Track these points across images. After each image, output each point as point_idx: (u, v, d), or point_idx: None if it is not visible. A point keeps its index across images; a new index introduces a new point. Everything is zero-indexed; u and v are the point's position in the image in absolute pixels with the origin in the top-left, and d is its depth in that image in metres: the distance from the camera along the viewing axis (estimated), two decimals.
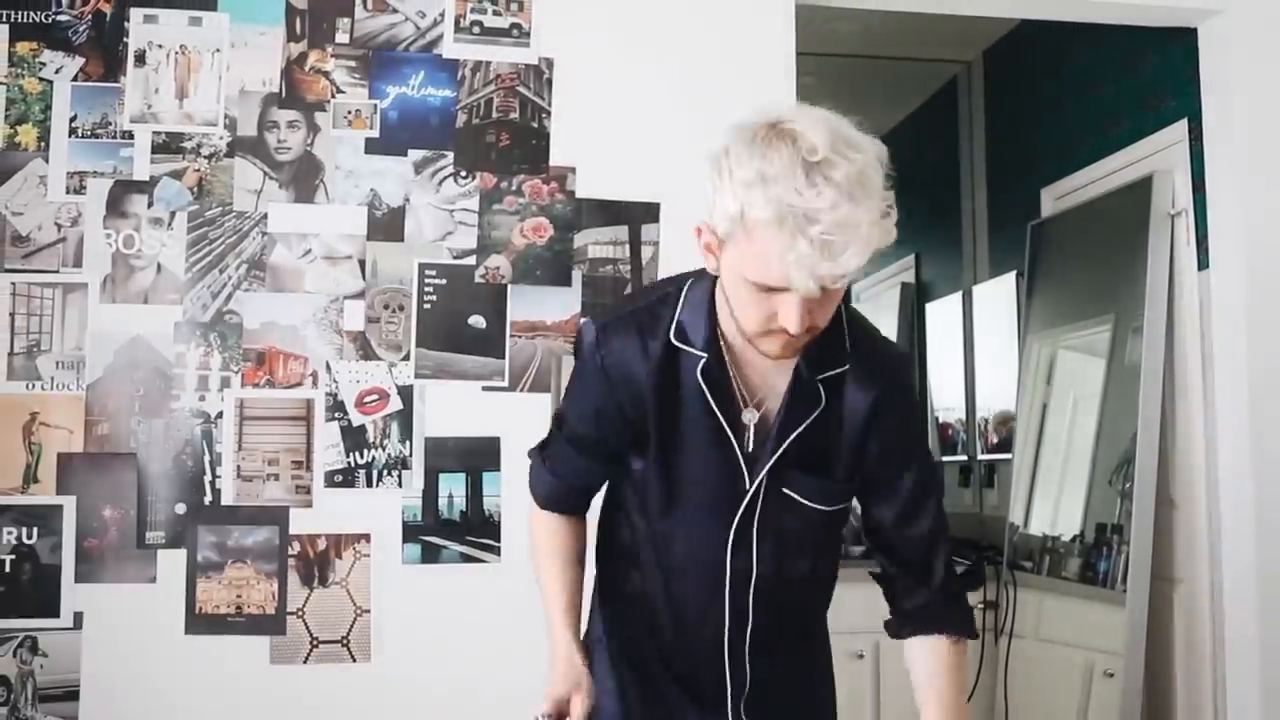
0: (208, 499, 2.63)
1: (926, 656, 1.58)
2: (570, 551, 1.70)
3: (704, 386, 1.49)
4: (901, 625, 1.63)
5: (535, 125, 2.80)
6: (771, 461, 1.50)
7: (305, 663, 2.63)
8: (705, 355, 1.49)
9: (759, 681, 1.62)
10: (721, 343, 1.50)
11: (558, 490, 1.69)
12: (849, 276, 1.31)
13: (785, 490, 1.53)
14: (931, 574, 1.60)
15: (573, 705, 1.57)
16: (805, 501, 1.54)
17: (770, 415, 1.52)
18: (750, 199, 1.29)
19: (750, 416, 1.51)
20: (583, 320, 1.60)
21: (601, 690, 1.65)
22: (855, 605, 4.28)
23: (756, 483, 1.52)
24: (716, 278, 1.45)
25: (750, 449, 1.52)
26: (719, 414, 1.50)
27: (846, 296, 1.47)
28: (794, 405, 1.50)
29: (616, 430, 1.57)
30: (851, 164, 1.30)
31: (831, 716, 1.77)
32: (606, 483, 1.70)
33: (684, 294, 1.54)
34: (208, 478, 2.64)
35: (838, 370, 1.51)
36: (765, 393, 1.52)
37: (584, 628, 1.73)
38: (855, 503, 1.65)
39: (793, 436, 1.50)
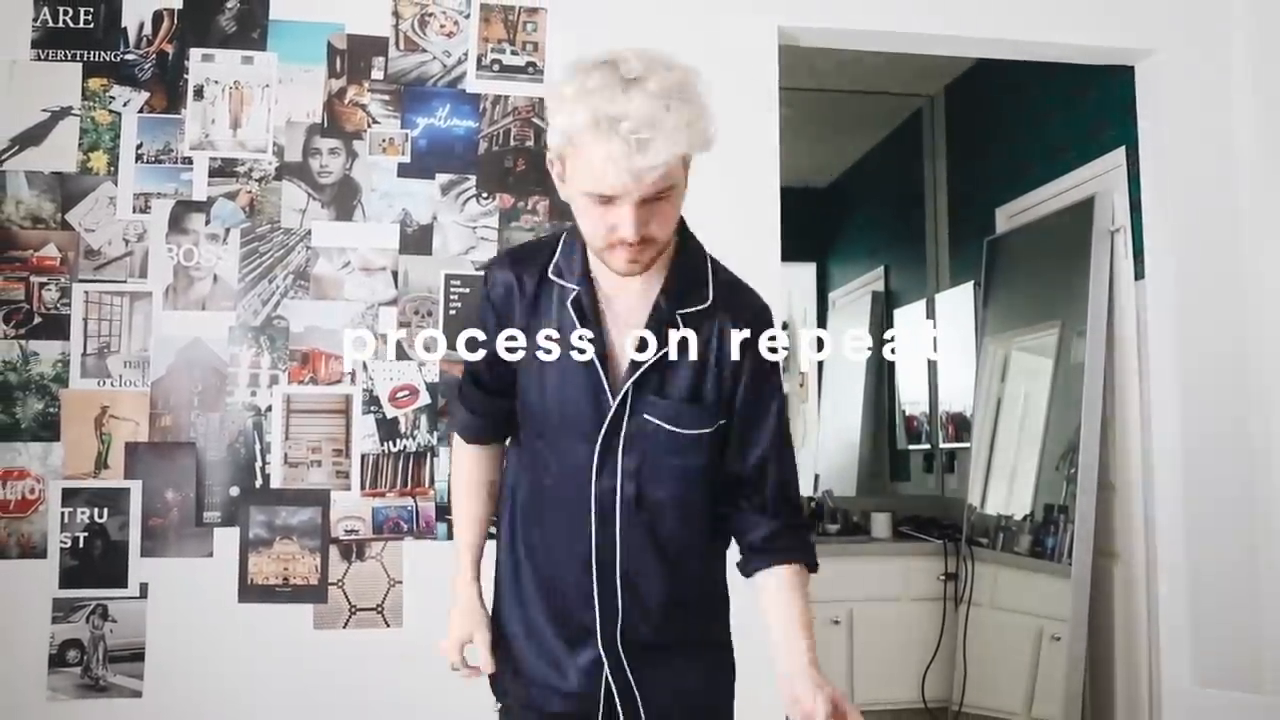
0: (258, 483, 2.63)
1: (778, 581, 1.50)
2: (480, 482, 1.67)
3: (572, 313, 1.46)
4: (751, 559, 1.54)
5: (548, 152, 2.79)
6: (631, 381, 1.45)
7: (344, 628, 2.63)
8: (577, 288, 1.47)
9: (632, 616, 1.51)
10: (592, 278, 1.48)
11: (467, 421, 1.66)
12: (659, 170, 1.28)
13: (646, 416, 1.46)
14: (778, 508, 1.53)
15: (477, 643, 1.56)
16: (664, 424, 1.46)
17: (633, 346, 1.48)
18: (572, 111, 1.30)
19: (629, 345, 1.46)
20: (487, 263, 1.60)
21: (502, 630, 1.60)
22: (831, 577, 4.32)
23: (618, 399, 1.45)
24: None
25: (615, 376, 1.47)
26: (585, 338, 1.46)
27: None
28: (653, 334, 1.46)
29: (502, 360, 1.54)
30: (667, 76, 1.31)
31: (726, 696, 1.65)
32: (510, 413, 1.60)
33: (563, 237, 1.53)
34: (258, 464, 2.64)
35: (698, 307, 1.48)
36: (632, 325, 1.47)
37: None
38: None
39: (649, 362, 1.45)
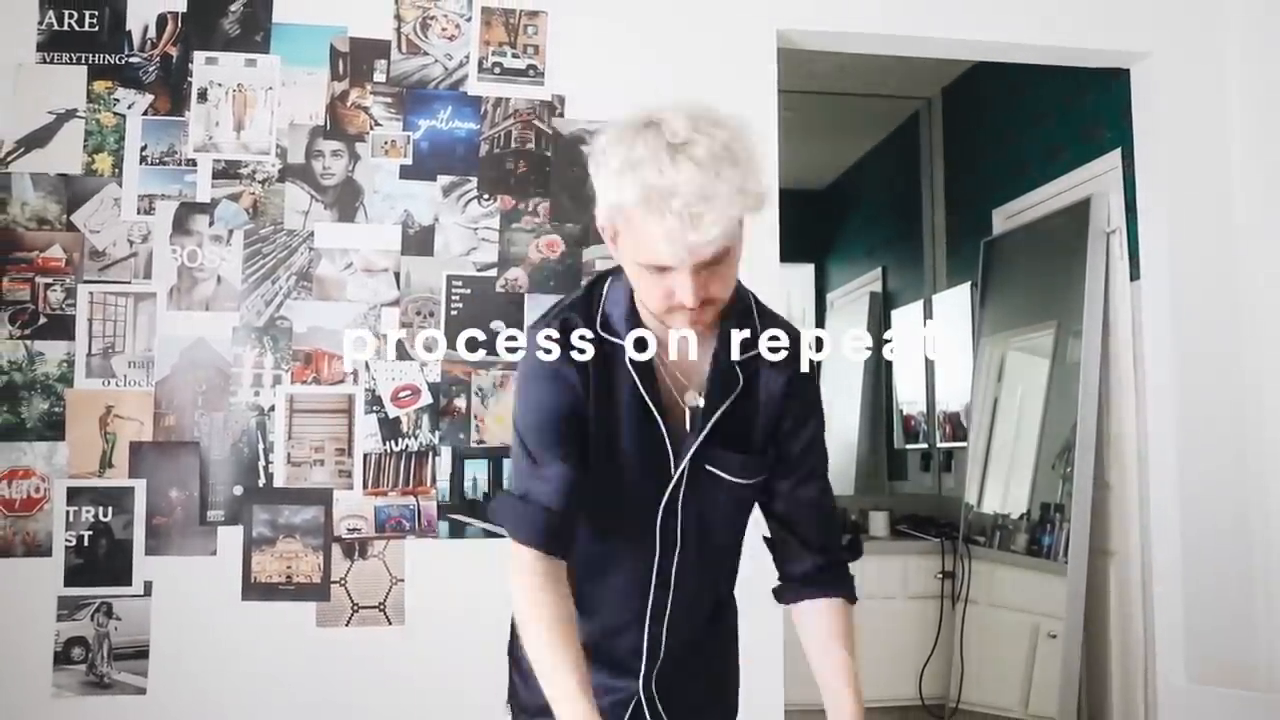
0: (261, 482, 2.63)
1: (828, 617, 1.47)
2: (569, 618, 1.35)
3: (632, 371, 1.39)
4: (794, 590, 1.51)
5: (549, 154, 2.80)
6: (698, 442, 1.41)
7: (347, 626, 2.63)
8: (631, 343, 1.39)
9: (672, 650, 1.50)
10: (645, 330, 1.40)
11: (551, 521, 1.37)
12: (715, 243, 1.23)
13: (709, 467, 1.42)
14: (823, 542, 1.51)
15: None
16: (727, 476, 1.43)
17: (697, 400, 1.43)
18: (621, 185, 1.23)
19: (693, 399, 1.41)
20: (528, 330, 1.45)
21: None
22: None
23: (684, 461, 1.41)
24: None
25: (677, 432, 1.41)
26: (647, 398, 1.39)
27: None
28: (715, 387, 1.41)
29: (578, 428, 1.39)
30: (713, 140, 1.23)
31: (735, 687, 1.66)
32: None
33: (606, 288, 1.44)
34: (261, 463, 2.64)
35: (752, 353, 1.43)
36: (690, 378, 1.42)
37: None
38: None
39: (715, 416, 1.41)
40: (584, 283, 1.47)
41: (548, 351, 1.39)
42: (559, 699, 1.28)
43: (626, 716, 1.50)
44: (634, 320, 1.40)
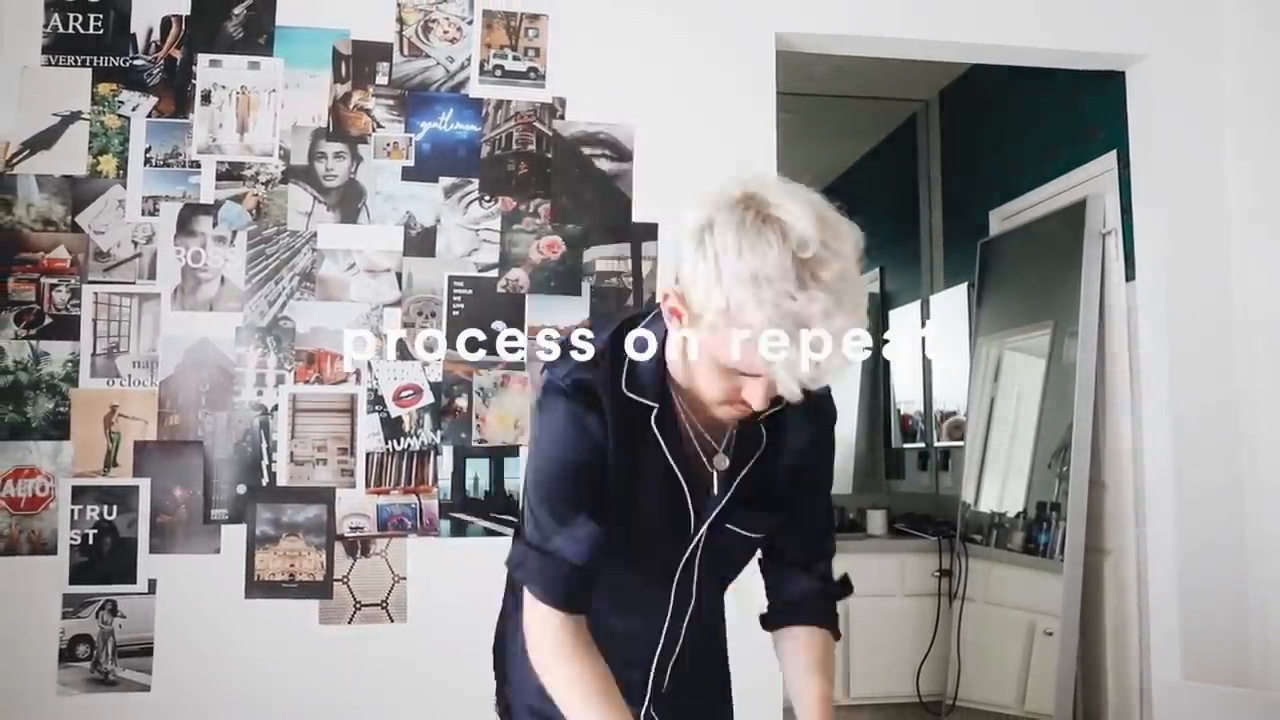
0: (265, 480, 2.64)
1: (810, 645, 1.43)
2: (607, 672, 1.29)
3: (657, 432, 1.31)
4: (782, 614, 1.47)
5: (550, 156, 2.80)
6: (723, 503, 1.35)
7: (350, 623, 2.63)
8: (657, 405, 1.31)
9: (674, 681, 1.49)
10: (672, 391, 1.32)
11: (577, 578, 1.30)
12: (826, 380, 1.15)
13: (729, 525, 1.37)
14: (817, 570, 1.48)
15: None
16: (744, 533, 1.39)
17: (721, 461, 1.36)
18: (743, 298, 1.10)
19: (721, 461, 1.35)
20: (544, 374, 1.36)
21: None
22: None
23: (709, 521, 1.36)
24: (665, 329, 1.28)
25: (700, 494, 1.35)
26: (671, 460, 1.32)
27: None
28: (740, 449, 1.35)
29: (600, 481, 1.31)
30: (841, 260, 1.11)
31: (728, 684, 1.65)
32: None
33: (632, 344, 1.33)
34: (265, 462, 2.64)
35: (774, 410, 1.30)
36: (715, 438, 1.36)
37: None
38: None
39: (740, 476, 1.35)
40: (603, 335, 1.36)
41: (572, 397, 1.30)
42: None
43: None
44: (660, 382, 1.31)
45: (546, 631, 1.30)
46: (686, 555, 1.38)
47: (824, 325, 1.09)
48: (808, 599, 1.47)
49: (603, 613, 1.36)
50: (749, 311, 1.10)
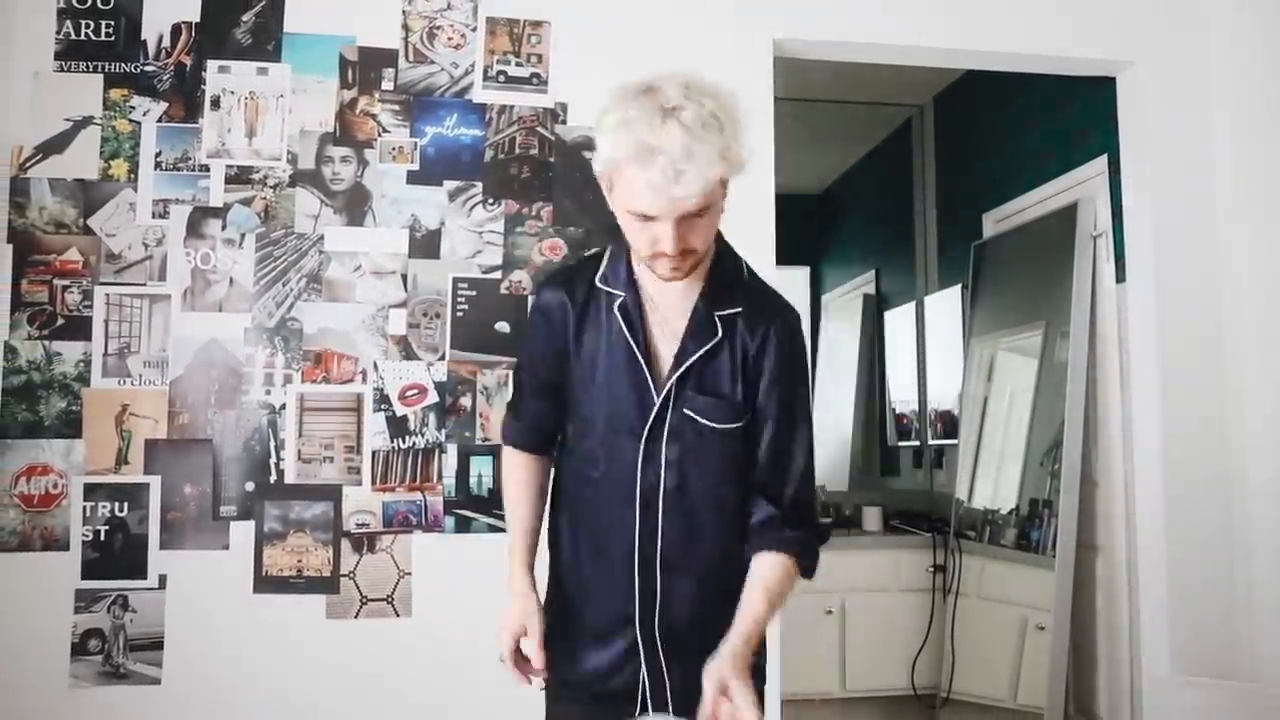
0: (273, 478, 2.64)
1: (760, 566, 1.50)
2: (534, 484, 1.67)
3: (619, 318, 1.52)
4: (750, 540, 1.54)
5: (552, 160, 2.80)
6: (674, 378, 1.50)
7: (356, 618, 2.63)
8: (623, 294, 1.53)
9: (670, 605, 1.53)
10: (637, 285, 1.54)
11: (521, 431, 1.68)
12: (694, 198, 1.34)
13: (686, 410, 1.51)
14: (783, 496, 1.54)
15: (531, 634, 1.51)
16: (703, 419, 1.51)
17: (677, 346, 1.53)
18: (616, 140, 1.36)
19: (670, 346, 1.52)
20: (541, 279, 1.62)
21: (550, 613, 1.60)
22: (824, 569, 4.31)
23: (662, 395, 1.50)
24: None
25: (658, 374, 1.52)
26: (630, 340, 1.51)
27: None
28: (692, 334, 1.52)
29: (560, 365, 1.58)
30: (702, 107, 1.35)
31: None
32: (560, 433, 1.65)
33: (609, 251, 1.59)
34: (273, 460, 2.65)
35: (732, 310, 1.53)
36: (674, 327, 1.53)
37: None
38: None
39: (693, 358, 1.50)
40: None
41: (544, 297, 1.59)
42: (509, 554, 1.60)
43: (625, 660, 1.53)
44: (630, 277, 1.53)
45: (508, 462, 1.71)
46: (649, 429, 1.51)
47: (676, 149, 1.32)
48: (769, 524, 1.53)
49: (585, 511, 1.57)
50: (621, 149, 1.35)
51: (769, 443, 1.55)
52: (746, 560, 1.53)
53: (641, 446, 1.51)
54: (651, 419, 1.51)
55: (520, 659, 1.54)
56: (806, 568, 1.54)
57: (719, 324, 1.52)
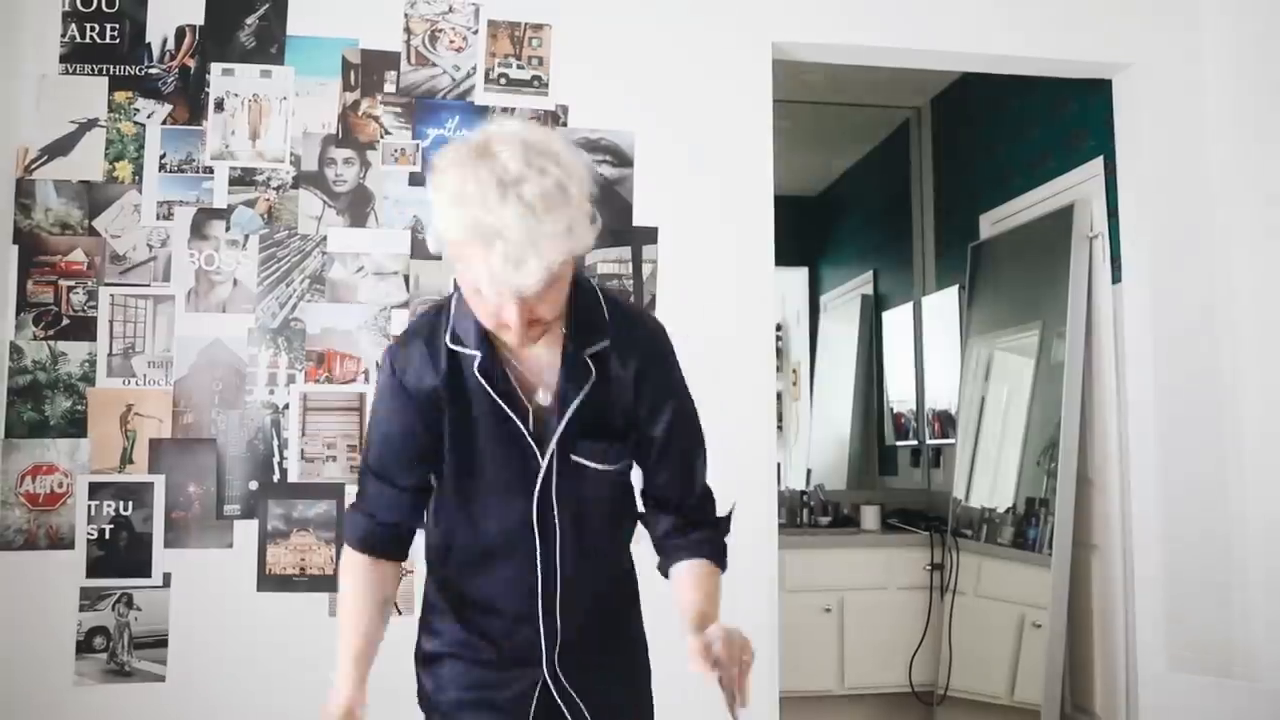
0: (276, 477, 2.64)
1: (685, 573, 1.47)
2: (380, 601, 1.48)
3: (482, 381, 1.39)
4: (661, 554, 1.52)
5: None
6: (559, 433, 1.40)
7: None
8: (479, 353, 1.38)
9: (569, 641, 1.49)
10: (492, 339, 1.37)
11: (370, 531, 1.47)
12: (538, 285, 1.19)
13: (574, 457, 1.42)
14: (684, 505, 1.51)
15: None
16: (592, 464, 1.43)
17: (552, 396, 1.42)
18: (449, 218, 1.19)
19: (543, 397, 1.41)
20: (386, 349, 1.49)
21: (434, 655, 1.56)
22: (823, 567, 4.31)
23: (549, 455, 1.41)
24: None
25: (539, 429, 1.41)
26: (501, 402, 1.39)
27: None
28: (568, 381, 1.40)
29: (423, 442, 1.43)
30: (545, 178, 1.18)
31: (645, 679, 1.62)
32: (418, 528, 1.51)
33: (454, 302, 1.42)
34: (276, 459, 2.65)
35: (601, 345, 1.41)
36: (543, 376, 1.42)
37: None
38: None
39: (573, 407, 1.40)
40: (435, 301, 1.47)
41: (399, 371, 1.43)
42: (339, 663, 1.44)
43: (534, 699, 1.49)
44: (482, 333, 1.37)
45: (347, 569, 1.50)
46: (540, 487, 1.42)
47: (516, 234, 1.16)
48: (673, 534, 1.50)
49: (479, 561, 1.47)
50: (454, 230, 1.19)
51: (662, 460, 1.49)
52: (664, 574, 1.52)
53: (535, 504, 1.43)
54: (541, 478, 1.42)
55: None
56: (721, 564, 1.52)
57: (591, 364, 1.41)
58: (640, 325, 1.50)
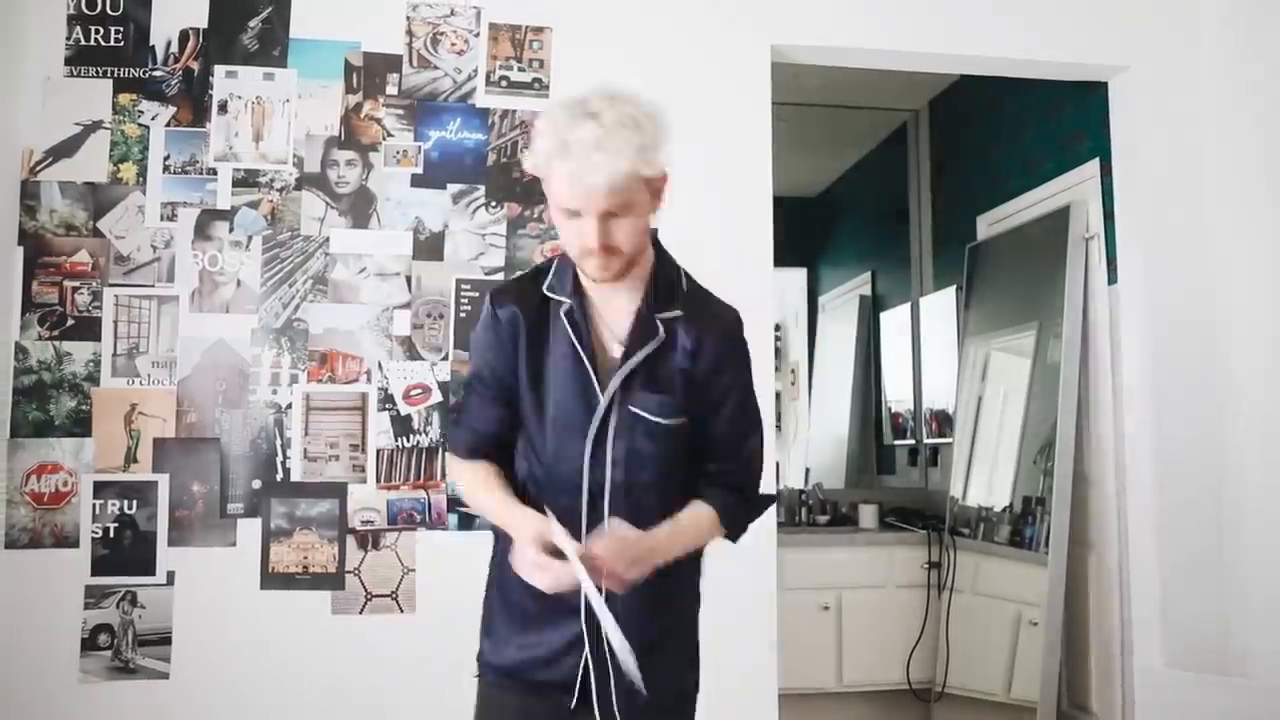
0: (279, 476, 2.65)
1: (691, 508, 1.57)
2: (497, 477, 1.62)
3: (566, 323, 1.56)
4: (694, 495, 1.60)
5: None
6: (619, 379, 1.53)
7: (361, 613, 2.64)
8: (569, 301, 1.57)
9: (614, 596, 1.47)
10: (583, 294, 1.58)
11: (473, 438, 1.65)
12: (604, 185, 1.40)
13: (631, 407, 1.54)
14: (724, 463, 1.61)
15: (554, 531, 1.45)
16: (647, 415, 1.55)
17: (622, 349, 1.57)
18: (542, 141, 1.45)
19: (615, 350, 1.56)
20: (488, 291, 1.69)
21: (492, 607, 1.66)
22: (821, 565, 4.32)
23: (609, 398, 1.54)
24: None
25: (604, 377, 1.55)
26: (578, 345, 1.55)
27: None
28: (637, 336, 1.55)
29: (511, 369, 1.59)
30: (620, 110, 1.43)
31: (688, 629, 1.67)
32: (510, 443, 1.64)
33: (555, 262, 1.63)
34: (279, 459, 2.65)
35: (673, 313, 1.57)
36: (619, 332, 1.57)
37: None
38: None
39: (637, 357, 1.54)
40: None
41: (496, 308, 1.61)
42: (497, 515, 1.58)
43: (566, 651, 1.55)
44: (576, 285, 1.58)
45: (463, 470, 1.68)
46: (596, 428, 1.54)
47: (590, 143, 1.40)
48: (710, 482, 1.61)
49: (538, 491, 1.57)
50: (543, 144, 1.44)
51: (716, 431, 1.60)
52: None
53: (589, 445, 1.54)
54: (598, 418, 1.54)
55: (553, 555, 1.45)
56: (730, 529, 1.61)
57: (660, 326, 1.56)
58: (717, 308, 1.65)
